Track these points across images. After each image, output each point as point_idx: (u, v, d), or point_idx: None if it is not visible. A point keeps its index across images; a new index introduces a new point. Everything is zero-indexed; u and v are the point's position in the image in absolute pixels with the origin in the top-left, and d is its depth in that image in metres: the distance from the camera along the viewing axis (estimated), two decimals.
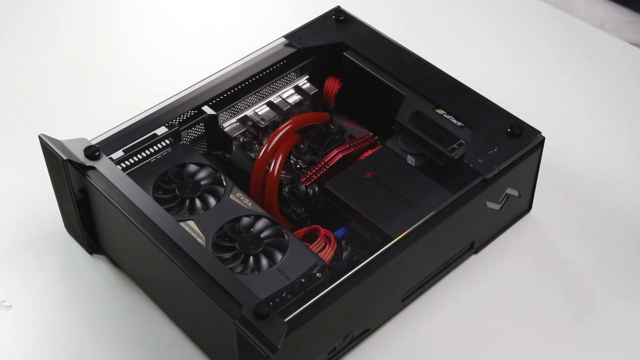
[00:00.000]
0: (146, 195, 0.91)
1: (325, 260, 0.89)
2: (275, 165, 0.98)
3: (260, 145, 1.06)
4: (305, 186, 0.98)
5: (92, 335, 0.94)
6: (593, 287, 0.99)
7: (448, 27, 1.35)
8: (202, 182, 0.96)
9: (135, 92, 1.22)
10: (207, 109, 1.03)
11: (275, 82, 1.08)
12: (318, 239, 0.93)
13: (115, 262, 1.01)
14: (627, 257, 1.02)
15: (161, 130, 1.00)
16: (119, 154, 0.97)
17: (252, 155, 1.04)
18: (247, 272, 0.88)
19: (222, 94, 1.04)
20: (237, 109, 1.05)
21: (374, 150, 1.02)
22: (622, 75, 1.26)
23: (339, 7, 1.13)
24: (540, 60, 1.29)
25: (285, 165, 1.00)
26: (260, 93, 1.07)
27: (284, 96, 1.08)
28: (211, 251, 0.89)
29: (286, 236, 0.90)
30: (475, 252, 1.02)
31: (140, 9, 1.38)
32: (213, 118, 1.03)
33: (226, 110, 1.04)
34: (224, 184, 0.96)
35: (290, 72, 1.09)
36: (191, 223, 0.92)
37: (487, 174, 0.94)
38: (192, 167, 0.97)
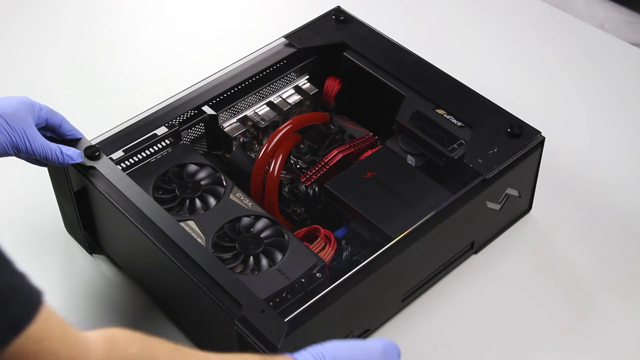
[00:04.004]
0: (146, 195, 0.90)
1: (325, 260, 0.89)
2: (275, 165, 0.98)
3: (260, 145, 1.06)
4: (305, 186, 0.98)
5: None
6: (593, 287, 0.99)
7: (448, 27, 1.35)
8: (202, 182, 0.96)
9: (135, 92, 1.22)
10: (207, 109, 1.03)
11: (275, 82, 1.08)
12: (318, 239, 0.93)
13: (115, 262, 1.01)
14: (627, 257, 1.02)
15: (161, 130, 0.99)
16: (119, 154, 0.97)
17: (252, 155, 1.04)
18: (247, 272, 0.88)
19: (222, 94, 1.04)
20: (237, 109, 1.05)
21: (374, 150, 1.02)
22: (622, 75, 1.26)
23: (339, 7, 1.13)
24: (540, 60, 1.28)
25: (285, 165, 1.00)
26: (260, 93, 1.07)
27: (284, 96, 1.08)
28: (211, 251, 0.89)
29: (286, 236, 0.90)
30: (475, 252, 1.02)
31: (141, 9, 1.38)
32: (213, 118, 1.03)
33: (226, 110, 1.04)
34: (224, 184, 0.96)
35: (290, 72, 1.09)
36: (191, 223, 0.92)
37: (487, 174, 0.94)
38: (192, 167, 0.97)
